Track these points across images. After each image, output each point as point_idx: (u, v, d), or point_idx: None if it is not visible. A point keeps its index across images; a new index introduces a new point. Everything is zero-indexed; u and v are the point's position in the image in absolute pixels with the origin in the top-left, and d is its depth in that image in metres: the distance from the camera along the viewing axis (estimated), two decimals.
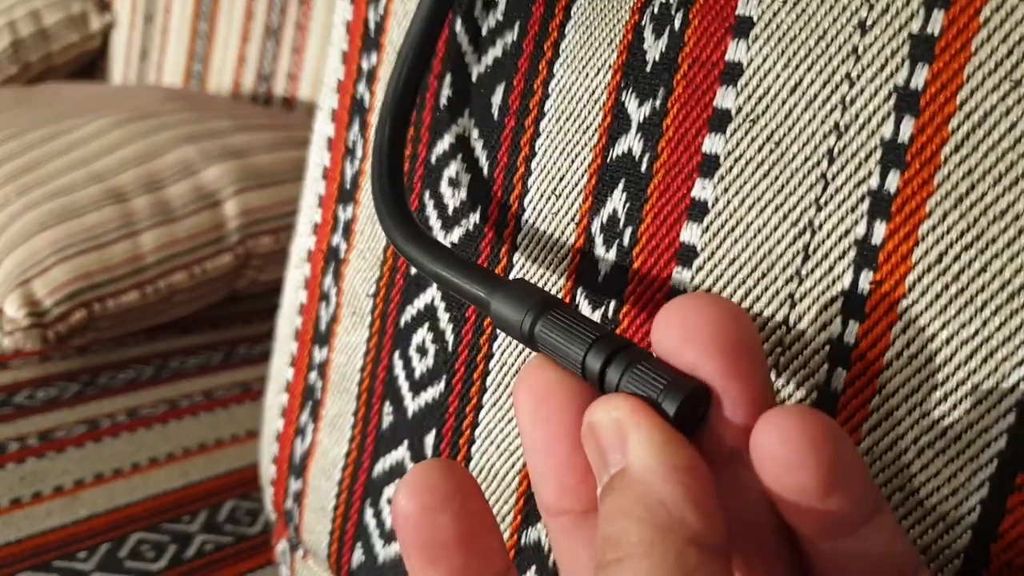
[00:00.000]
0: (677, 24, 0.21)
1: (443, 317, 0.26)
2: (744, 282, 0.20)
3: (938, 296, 0.18)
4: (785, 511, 0.15)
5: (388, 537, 0.28)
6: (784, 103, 0.19)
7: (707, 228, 0.20)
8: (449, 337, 0.26)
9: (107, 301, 0.58)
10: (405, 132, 0.25)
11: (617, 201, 0.22)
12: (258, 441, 0.53)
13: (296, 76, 0.87)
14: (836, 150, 0.19)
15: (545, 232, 0.24)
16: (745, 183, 0.20)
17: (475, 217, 0.25)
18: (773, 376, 0.20)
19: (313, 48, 0.85)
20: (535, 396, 0.17)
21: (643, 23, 0.22)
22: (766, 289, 0.20)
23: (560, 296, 0.23)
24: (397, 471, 0.28)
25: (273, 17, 0.89)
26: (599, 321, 0.22)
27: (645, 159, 0.22)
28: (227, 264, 0.63)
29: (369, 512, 0.29)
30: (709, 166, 0.20)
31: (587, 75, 0.23)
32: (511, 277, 0.24)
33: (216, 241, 0.62)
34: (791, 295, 0.19)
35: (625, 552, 0.14)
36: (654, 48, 0.21)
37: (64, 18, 1.02)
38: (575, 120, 0.23)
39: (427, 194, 0.27)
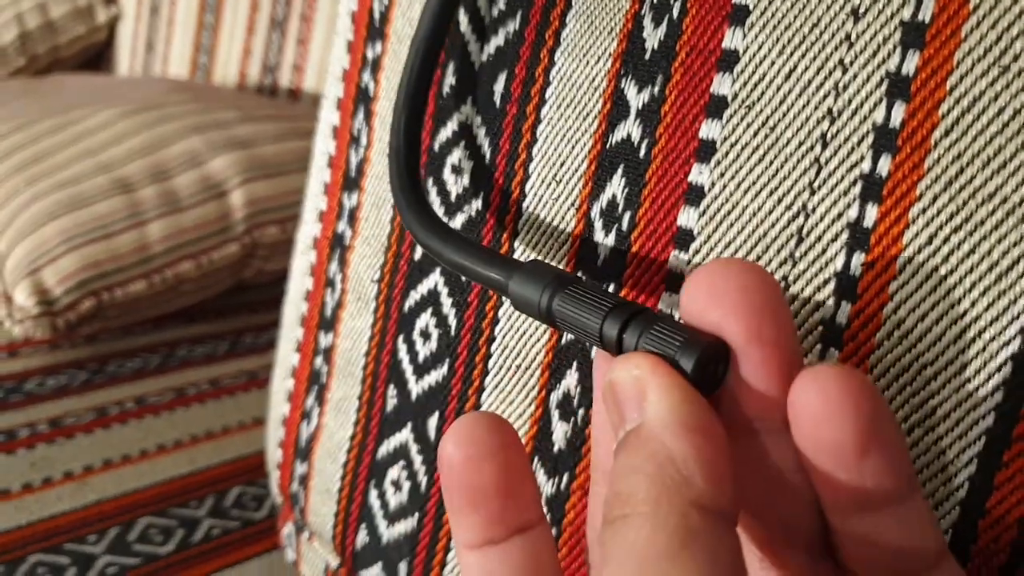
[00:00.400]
0: (676, 13, 0.21)
1: (446, 302, 0.27)
2: None
3: (928, 277, 0.18)
4: (817, 477, 0.15)
5: (392, 517, 0.29)
6: (779, 89, 0.20)
7: (704, 212, 0.21)
8: (452, 321, 0.27)
9: (115, 290, 0.59)
10: (421, 126, 0.25)
11: (616, 186, 0.23)
12: (264, 429, 0.53)
13: (301, 67, 0.88)
14: (829, 135, 0.19)
15: (546, 217, 0.24)
16: (741, 168, 0.20)
17: (477, 203, 0.26)
18: None
19: (318, 39, 0.86)
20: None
21: (643, 12, 0.22)
22: None
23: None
24: (401, 453, 0.29)
25: (278, 9, 0.89)
26: None
27: (644, 145, 0.22)
28: (233, 254, 0.63)
29: (373, 493, 0.30)
30: (706, 151, 0.21)
31: (588, 63, 0.23)
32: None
33: (222, 231, 0.63)
34: (785, 277, 0.20)
35: (631, 509, 0.14)
36: (653, 36, 0.22)
37: (71, 11, 1.03)
38: (576, 107, 0.23)
39: (431, 181, 0.27)
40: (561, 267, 0.24)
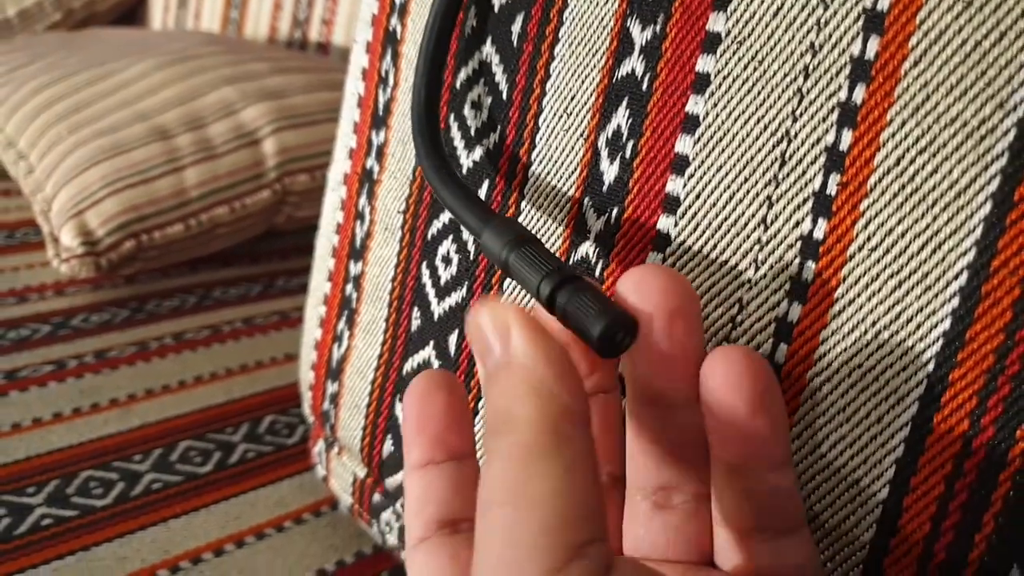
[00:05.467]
0: None
1: (465, 230, 0.29)
2: (728, 187, 0.23)
3: (895, 195, 0.20)
4: (714, 436, 0.20)
5: None
6: (768, 26, 0.22)
7: (698, 139, 0.23)
8: (471, 247, 0.29)
9: (154, 232, 0.62)
10: (442, 71, 0.28)
11: (621, 117, 0.25)
12: (295, 365, 0.56)
13: (331, 21, 0.90)
14: (811, 67, 0.21)
15: (557, 147, 0.26)
16: (732, 99, 0.22)
17: (495, 136, 0.28)
18: (753, 271, 0.22)
19: None
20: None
21: None
22: (747, 192, 0.22)
23: (569, 205, 0.26)
24: (424, 368, 0.31)
25: None
26: (602, 226, 0.25)
27: (646, 79, 0.24)
28: (265, 200, 0.66)
29: (399, 406, 0.32)
30: (701, 84, 0.23)
31: (597, 3, 0.25)
32: (525, 190, 0.27)
33: (255, 178, 0.65)
34: (769, 197, 0.22)
35: (514, 424, 0.17)
36: None
37: None
38: (586, 45, 0.25)
39: (452, 116, 0.29)
40: (571, 192, 0.26)
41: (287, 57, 0.76)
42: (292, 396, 0.53)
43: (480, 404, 0.29)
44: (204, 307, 0.63)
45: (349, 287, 0.35)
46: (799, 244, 0.22)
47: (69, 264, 0.60)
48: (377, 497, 0.35)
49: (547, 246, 0.27)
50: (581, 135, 0.26)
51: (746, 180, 0.22)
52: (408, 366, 0.32)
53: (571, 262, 0.26)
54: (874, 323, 0.21)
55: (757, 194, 0.22)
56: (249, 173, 0.65)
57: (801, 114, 0.21)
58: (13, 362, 0.53)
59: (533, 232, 0.27)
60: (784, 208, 0.22)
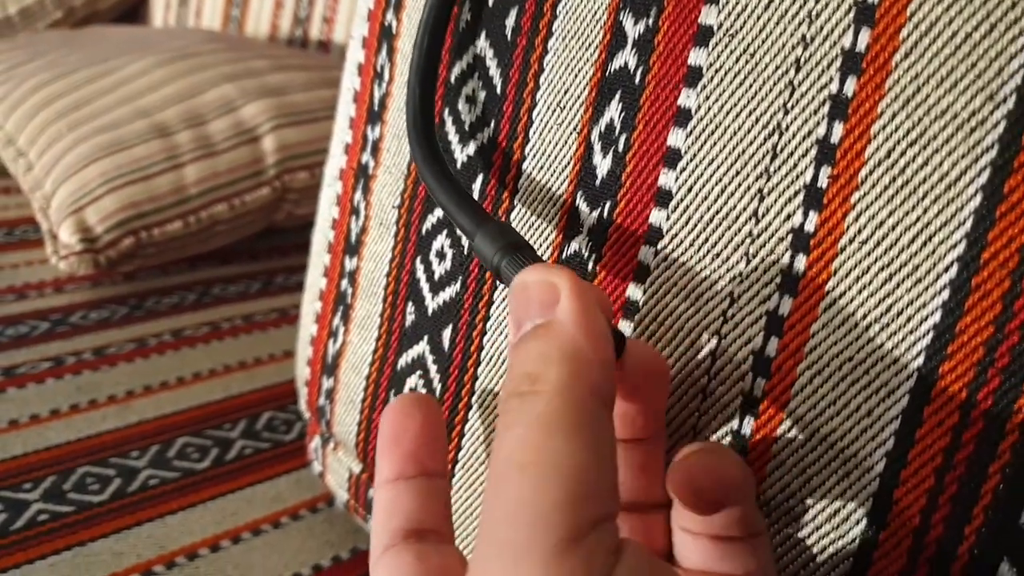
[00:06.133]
0: None
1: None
2: (720, 180, 0.22)
3: (886, 188, 0.20)
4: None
5: None
6: (759, 18, 0.22)
7: (690, 133, 0.23)
8: (466, 242, 0.29)
9: (153, 229, 0.62)
10: (437, 69, 0.28)
11: (614, 111, 0.25)
12: (293, 361, 0.56)
13: (331, 20, 0.90)
14: (803, 59, 0.21)
15: (550, 142, 0.26)
16: (724, 92, 0.22)
17: (489, 131, 0.28)
18: (744, 264, 0.22)
19: None
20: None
21: None
22: (739, 185, 0.22)
23: (563, 199, 0.26)
24: (418, 363, 0.31)
25: None
26: (595, 220, 0.25)
27: (639, 72, 0.24)
28: (265, 197, 0.66)
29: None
30: (694, 77, 0.23)
31: None
32: (519, 187, 0.27)
33: (255, 175, 0.65)
34: (760, 190, 0.22)
35: (540, 387, 0.17)
36: None
37: None
38: (579, 39, 0.25)
39: (446, 111, 0.29)
40: (564, 187, 0.26)
41: (287, 55, 0.76)
42: (290, 393, 0.53)
43: (466, 424, 0.29)
44: (203, 304, 0.63)
45: (344, 282, 0.35)
46: (790, 237, 0.21)
47: (68, 261, 0.60)
48: (372, 492, 0.35)
49: (540, 240, 0.27)
50: (574, 129, 0.26)
51: (738, 173, 0.22)
52: (402, 361, 0.32)
53: (564, 256, 0.26)
54: (864, 316, 0.21)
55: (748, 187, 0.22)
56: (249, 170, 0.65)
57: (792, 107, 0.21)
58: (11, 359, 0.53)
59: (527, 225, 0.27)
60: (775, 201, 0.22)
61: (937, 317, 0.20)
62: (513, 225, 0.27)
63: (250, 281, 0.67)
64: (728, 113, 0.22)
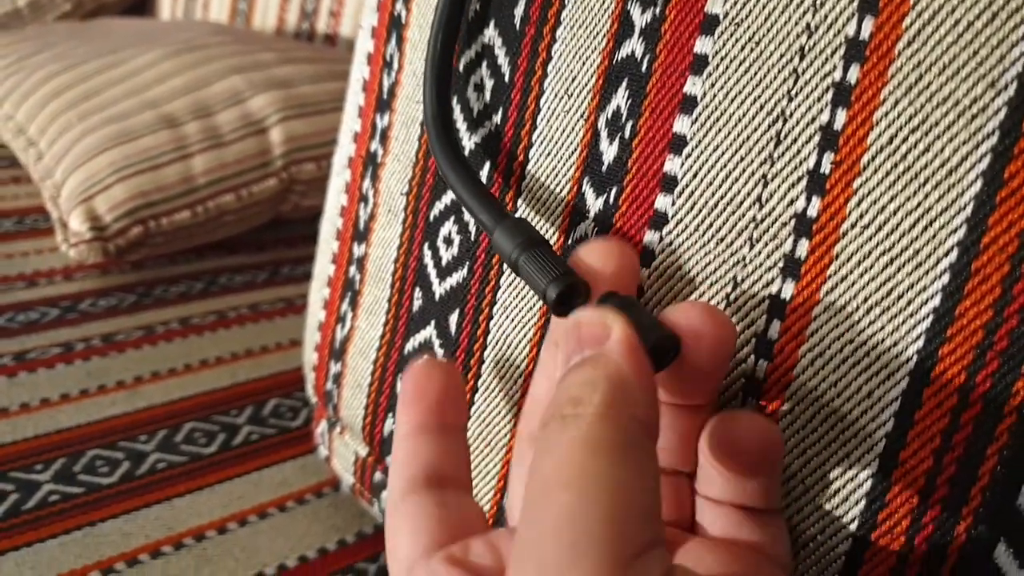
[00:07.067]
0: None
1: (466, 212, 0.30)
2: (725, 166, 0.23)
3: (888, 174, 0.21)
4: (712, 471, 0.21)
5: None
6: (764, 7, 0.22)
7: (696, 120, 0.23)
8: (472, 228, 0.30)
9: (161, 219, 0.62)
10: (451, 70, 0.28)
11: (620, 98, 0.25)
12: (300, 350, 0.57)
13: (338, 13, 0.90)
14: (807, 47, 0.21)
15: (558, 128, 0.27)
16: (729, 79, 0.23)
17: (497, 118, 0.28)
18: (747, 249, 0.23)
19: None
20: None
21: None
22: (743, 172, 0.23)
23: (569, 185, 0.26)
24: (425, 347, 0.32)
25: None
26: (601, 206, 0.26)
27: (645, 60, 0.24)
28: (272, 188, 0.66)
29: (400, 385, 0.33)
30: (699, 65, 0.23)
31: None
32: (526, 171, 0.27)
33: (262, 166, 0.66)
34: (764, 176, 0.22)
35: (584, 410, 0.17)
36: None
37: None
38: (587, 27, 0.26)
39: (455, 99, 0.30)
40: (570, 172, 0.26)
41: (295, 47, 0.77)
42: (296, 380, 0.53)
43: (472, 406, 0.30)
44: (210, 293, 0.63)
45: (352, 268, 0.36)
46: (793, 222, 0.22)
47: (77, 249, 0.60)
48: (378, 475, 0.36)
49: (547, 225, 0.27)
50: (581, 116, 0.26)
51: (742, 159, 0.23)
52: (409, 345, 0.32)
53: (570, 241, 0.27)
54: (866, 299, 0.21)
55: (753, 173, 0.22)
56: (256, 161, 0.66)
57: (796, 94, 0.22)
58: (23, 344, 0.54)
59: (534, 210, 0.27)
60: (779, 187, 0.22)
61: (937, 301, 0.20)
62: (521, 210, 0.28)
63: (257, 271, 0.68)
64: (733, 101, 0.23)
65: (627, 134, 0.25)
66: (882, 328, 0.21)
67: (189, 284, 0.64)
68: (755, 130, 0.22)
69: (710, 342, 0.20)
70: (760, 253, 0.22)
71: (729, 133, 0.23)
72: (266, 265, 0.69)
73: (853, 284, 0.21)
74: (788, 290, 0.22)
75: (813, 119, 0.21)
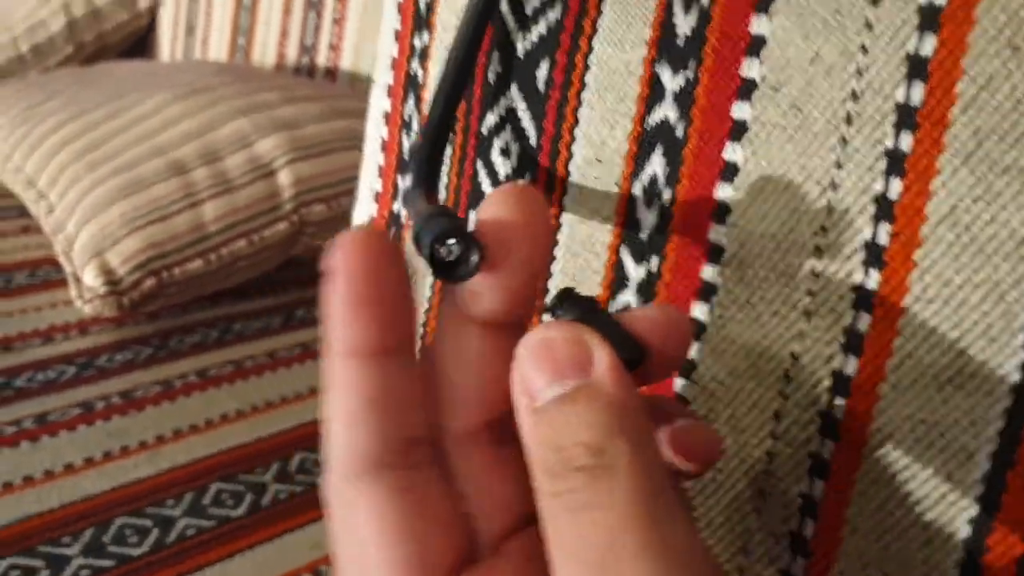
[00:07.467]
0: (705, 1, 0.23)
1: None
2: (774, 235, 0.22)
3: (951, 245, 0.20)
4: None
5: None
6: (805, 72, 0.21)
7: (739, 187, 0.22)
8: None
9: (174, 269, 0.62)
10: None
11: (656, 165, 0.24)
12: (320, 398, 0.56)
13: (338, 47, 0.90)
14: (854, 114, 0.20)
15: (590, 195, 0.26)
16: (772, 146, 0.22)
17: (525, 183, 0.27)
18: (805, 323, 0.22)
19: (353, 20, 0.88)
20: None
21: (673, 0, 0.24)
22: (794, 242, 0.22)
23: (606, 255, 0.26)
24: None
25: None
26: (644, 275, 0.25)
27: (680, 126, 0.23)
28: (283, 231, 0.66)
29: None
30: (738, 131, 0.22)
31: (624, 49, 0.25)
32: (560, 238, 0.27)
33: (272, 210, 0.65)
34: (817, 247, 0.21)
35: (613, 461, 0.15)
36: (684, 23, 0.23)
37: None
38: (615, 91, 0.25)
39: (479, 163, 0.29)
40: (608, 239, 0.25)
41: (297, 85, 0.76)
42: (318, 433, 0.53)
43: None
44: (226, 342, 0.63)
45: None
46: (852, 295, 0.21)
47: (92, 304, 0.60)
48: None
49: (584, 293, 0.26)
50: (615, 182, 0.25)
51: (792, 230, 0.22)
52: None
53: (611, 311, 0.26)
54: (935, 376, 0.20)
55: (804, 244, 0.21)
56: (266, 205, 0.65)
57: (846, 162, 0.21)
58: (42, 405, 0.53)
59: (570, 278, 0.27)
60: (834, 258, 0.21)
61: (1016, 377, 0.19)
62: (556, 279, 0.27)
63: (271, 315, 0.67)
64: (778, 168, 0.22)
65: (666, 201, 0.24)
66: (957, 407, 0.20)
67: (204, 333, 0.64)
68: (803, 199, 0.21)
69: (674, 349, 0.18)
70: (819, 327, 0.22)
71: (776, 202, 0.22)
72: (280, 309, 0.68)
73: (921, 360, 0.20)
74: (851, 366, 0.21)
75: (866, 188, 0.20)
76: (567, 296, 0.18)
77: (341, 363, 0.17)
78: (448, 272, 0.17)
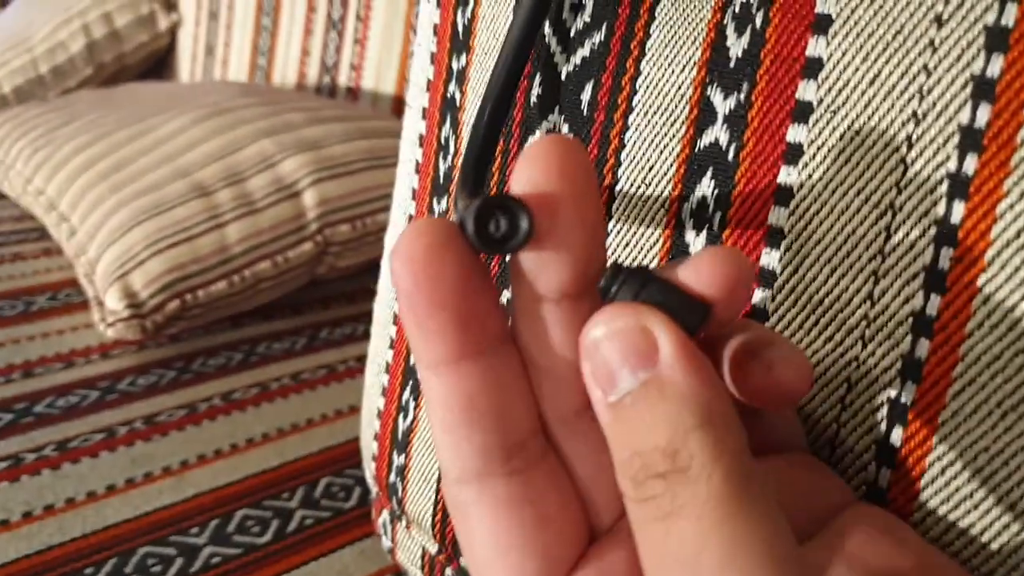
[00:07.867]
0: (758, 22, 0.22)
1: None
2: (830, 260, 0.21)
3: (1017, 270, 0.19)
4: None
5: None
6: (863, 94, 0.21)
7: (793, 211, 0.22)
8: None
9: (198, 291, 0.61)
10: (491, 159, 0.26)
11: (706, 188, 0.24)
12: (346, 420, 0.56)
13: (359, 67, 0.90)
14: (915, 136, 0.20)
15: (637, 218, 0.25)
16: (828, 169, 0.21)
17: None
18: (860, 349, 0.21)
19: (375, 39, 0.88)
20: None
21: (725, 22, 0.23)
22: (851, 267, 0.21)
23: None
24: None
25: (335, 9, 0.91)
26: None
27: (732, 148, 0.23)
28: (308, 252, 0.65)
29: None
30: (793, 154, 0.22)
31: (673, 71, 0.24)
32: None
33: (297, 230, 0.65)
34: (875, 271, 0.21)
35: (690, 463, 0.15)
36: (737, 45, 0.23)
37: (134, 19, 1.07)
38: (663, 114, 0.25)
39: None
40: (655, 263, 0.25)
41: (321, 106, 0.76)
42: (345, 456, 0.52)
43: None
44: (250, 364, 0.62)
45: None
46: (910, 321, 0.20)
47: (115, 328, 0.60)
48: (450, 573, 0.34)
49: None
50: (663, 206, 0.25)
51: (848, 254, 0.21)
52: None
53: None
54: (999, 404, 0.20)
55: (861, 268, 0.21)
56: (290, 226, 0.65)
57: (906, 185, 0.20)
58: (64, 432, 0.53)
59: None
60: (892, 283, 0.21)
61: None
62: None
63: (296, 336, 0.67)
64: (834, 192, 0.21)
65: (716, 225, 0.24)
66: (1020, 434, 0.19)
67: (228, 355, 0.63)
68: (861, 223, 0.21)
69: (737, 291, 0.17)
70: (875, 354, 0.21)
71: (832, 226, 0.21)
72: (305, 329, 0.68)
73: (984, 387, 0.20)
74: (909, 393, 0.21)
75: (927, 212, 0.20)
76: (618, 272, 0.17)
77: (426, 376, 0.17)
78: (500, 246, 0.16)
